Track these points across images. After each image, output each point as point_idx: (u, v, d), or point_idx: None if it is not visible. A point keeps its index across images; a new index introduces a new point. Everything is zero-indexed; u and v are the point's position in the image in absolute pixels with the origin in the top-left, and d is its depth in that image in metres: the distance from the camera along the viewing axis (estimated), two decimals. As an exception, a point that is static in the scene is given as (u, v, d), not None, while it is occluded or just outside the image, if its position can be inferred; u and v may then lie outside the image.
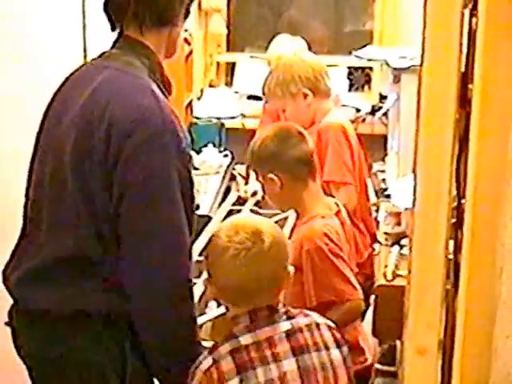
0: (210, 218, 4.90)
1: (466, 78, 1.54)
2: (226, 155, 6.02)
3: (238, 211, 5.04)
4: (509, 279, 1.47)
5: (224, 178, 5.92)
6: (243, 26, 6.46)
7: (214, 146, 6.00)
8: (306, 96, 3.81)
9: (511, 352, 1.47)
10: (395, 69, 5.05)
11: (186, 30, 4.63)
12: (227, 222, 2.64)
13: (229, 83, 7.00)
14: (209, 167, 5.70)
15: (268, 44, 5.38)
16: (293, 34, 5.30)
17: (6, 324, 2.64)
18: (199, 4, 6.31)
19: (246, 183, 5.62)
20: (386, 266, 3.27)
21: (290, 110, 3.91)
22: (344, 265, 2.90)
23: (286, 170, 3.01)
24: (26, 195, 2.69)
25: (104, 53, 2.67)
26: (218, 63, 6.93)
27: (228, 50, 6.63)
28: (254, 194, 4.92)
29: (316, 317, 2.49)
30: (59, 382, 2.61)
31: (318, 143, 3.56)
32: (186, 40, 5.22)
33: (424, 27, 1.54)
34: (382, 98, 5.40)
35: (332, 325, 2.56)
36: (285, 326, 2.41)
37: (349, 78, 5.77)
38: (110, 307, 2.48)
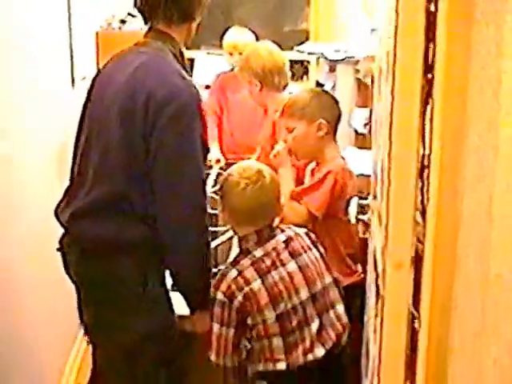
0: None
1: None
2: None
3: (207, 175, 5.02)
4: (468, 205, 1.53)
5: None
6: (198, 28, 6.46)
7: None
8: (256, 85, 4.02)
9: (470, 261, 1.52)
10: (331, 60, 5.23)
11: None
12: (237, 166, 2.88)
13: (189, 75, 6.90)
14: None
15: (220, 42, 5.43)
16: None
17: (58, 250, 2.85)
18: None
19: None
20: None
21: (248, 93, 4.17)
22: None
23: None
24: (74, 153, 2.89)
25: (138, 41, 2.89)
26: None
27: (186, 48, 6.57)
28: (218, 161, 4.91)
29: (295, 228, 2.84)
30: (99, 293, 2.79)
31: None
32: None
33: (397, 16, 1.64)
34: (319, 85, 5.52)
35: (306, 231, 2.90)
36: (282, 237, 2.77)
37: (290, 71, 5.95)
38: (141, 237, 2.69)
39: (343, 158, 3.21)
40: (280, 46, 4.28)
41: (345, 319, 2.78)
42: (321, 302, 2.74)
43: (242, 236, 2.79)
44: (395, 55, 1.61)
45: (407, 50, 1.56)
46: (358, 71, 5.05)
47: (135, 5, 2.91)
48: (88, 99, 2.94)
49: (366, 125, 4.59)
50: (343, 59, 5.16)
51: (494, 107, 1.25)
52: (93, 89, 2.93)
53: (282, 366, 2.63)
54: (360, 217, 2.93)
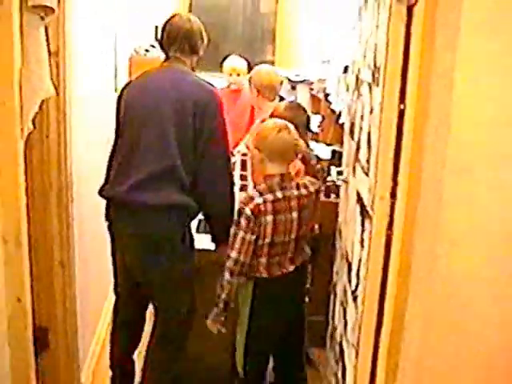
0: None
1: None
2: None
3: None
4: (428, 162, 1.63)
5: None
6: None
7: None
8: (255, 93, 4.17)
9: (429, 193, 1.71)
10: (293, 81, 5.36)
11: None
12: (268, 121, 2.91)
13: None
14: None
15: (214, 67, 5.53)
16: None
17: (106, 219, 2.96)
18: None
19: None
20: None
21: (250, 96, 4.34)
22: None
23: None
24: (116, 144, 2.99)
25: (163, 64, 3.05)
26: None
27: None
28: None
29: (310, 188, 2.80)
30: (146, 249, 2.83)
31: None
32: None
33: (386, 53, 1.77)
34: (282, 99, 5.67)
35: (317, 188, 2.87)
36: (295, 192, 2.74)
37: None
38: (183, 201, 2.79)
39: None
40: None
41: (308, 251, 2.92)
42: (300, 242, 2.82)
43: (269, 175, 2.77)
44: (385, 69, 1.75)
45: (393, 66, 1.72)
46: (312, 89, 5.23)
47: (156, 39, 3.11)
48: (119, 103, 3.03)
49: (318, 126, 4.81)
50: (302, 81, 5.32)
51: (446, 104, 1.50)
52: (122, 95, 3.02)
53: (264, 275, 2.72)
54: (339, 177, 3.05)
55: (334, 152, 3.98)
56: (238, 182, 4.17)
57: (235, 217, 2.72)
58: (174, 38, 3.04)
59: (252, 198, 2.70)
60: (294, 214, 2.72)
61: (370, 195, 1.88)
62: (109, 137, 3.71)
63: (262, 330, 2.78)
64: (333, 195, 3.71)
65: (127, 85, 3.09)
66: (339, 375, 2.26)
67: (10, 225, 1.72)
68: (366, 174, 1.96)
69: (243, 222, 2.67)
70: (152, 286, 2.98)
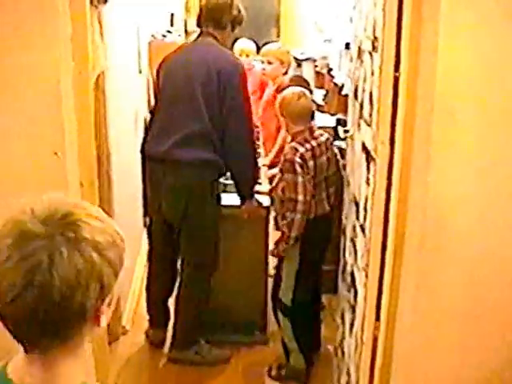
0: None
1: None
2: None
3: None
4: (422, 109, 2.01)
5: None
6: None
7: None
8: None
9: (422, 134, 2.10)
10: (298, 59, 5.70)
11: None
12: (287, 90, 3.28)
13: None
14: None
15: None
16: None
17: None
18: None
19: None
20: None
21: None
22: None
23: None
24: (156, 109, 3.32)
25: (197, 39, 3.34)
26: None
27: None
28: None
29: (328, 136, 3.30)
30: (181, 198, 3.19)
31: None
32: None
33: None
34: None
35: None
36: (323, 139, 3.20)
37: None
38: (213, 158, 3.18)
39: None
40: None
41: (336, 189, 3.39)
42: (328, 182, 3.28)
43: (298, 131, 3.17)
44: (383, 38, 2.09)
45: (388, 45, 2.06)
46: (316, 66, 5.60)
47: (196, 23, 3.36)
48: (158, 74, 3.33)
49: (323, 99, 5.19)
50: (306, 59, 5.67)
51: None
52: (161, 67, 3.31)
53: (311, 215, 3.17)
54: (346, 134, 3.39)
55: (338, 120, 4.36)
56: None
57: (288, 168, 3.08)
58: (203, 13, 3.29)
59: (296, 149, 3.10)
60: (324, 157, 3.16)
61: (373, 142, 2.26)
62: (136, 109, 4.11)
63: (310, 264, 3.23)
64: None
65: (165, 58, 3.37)
66: (351, 300, 2.67)
67: (85, 171, 2.10)
68: (369, 126, 2.34)
69: (298, 168, 3.04)
70: (182, 232, 3.29)
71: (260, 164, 4.21)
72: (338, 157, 3.51)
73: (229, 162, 3.25)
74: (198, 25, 3.36)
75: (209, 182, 3.23)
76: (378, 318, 2.25)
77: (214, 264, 3.42)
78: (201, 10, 3.33)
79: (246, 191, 3.36)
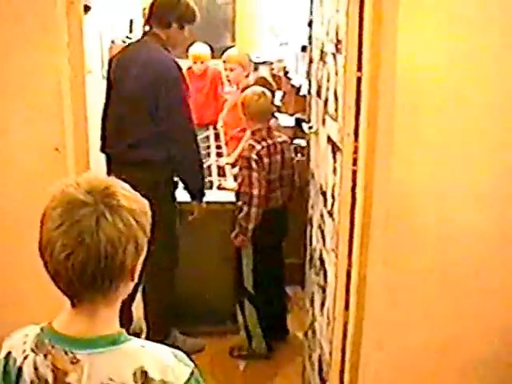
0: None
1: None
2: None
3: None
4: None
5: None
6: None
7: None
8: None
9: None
10: (255, 63, 5.85)
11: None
12: (248, 90, 3.55)
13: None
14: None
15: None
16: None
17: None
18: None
19: None
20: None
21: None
22: None
23: None
24: (104, 113, 3.44)
25: (139, 40, 3.41)
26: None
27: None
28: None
29: (284, 137, 3.57)
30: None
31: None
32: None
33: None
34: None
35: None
36: (279, 139, 3.50)
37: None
38: (164, 159, 3.31)
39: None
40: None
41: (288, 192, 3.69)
42: (283, 181, 3.59)
43: (257, 129, 3.45)
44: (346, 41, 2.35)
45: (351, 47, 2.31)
46: (273, 69, 5.88)
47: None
48: (109, 81, 3.39)
49: (280, 100, 5.45)
50: (263, 62, 5.93)
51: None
52: (111, 74, 3.38)
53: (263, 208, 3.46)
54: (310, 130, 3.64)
55: (297, 120, 4.66)
56: (214, 151, 4.83)
57: (245, 164, 3.33)
58: (149, 11, 3.30)
59: (253, 146, 3.38)
60: (278, 157, 3.44)
61: (339, 134, 2.53)
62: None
63: (265, 252, 3.54)
64: (299, 155, 4.40)
65: (111, 58, 3.52)
66: (321, 281, 2.94)
67: (81, 166, 2.31)
68: (335, 120, 2.61)
69: (254, 164, 3.32)
70: None
71: (223, 162, 4.47)
72: (295, 160, 3.78)
73: (174, 162, 3.34)
74: (146, 24, 3.40)
75: (161, 181, 3.33)
76: (348, 293, 2.52)
77: (174, 261, 3.58)
78: (149, 8, 3.35)
79: (198, 192, 3.50)
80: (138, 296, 3.70)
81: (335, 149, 2.59)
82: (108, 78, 3.44)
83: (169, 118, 3.21)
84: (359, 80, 2.31)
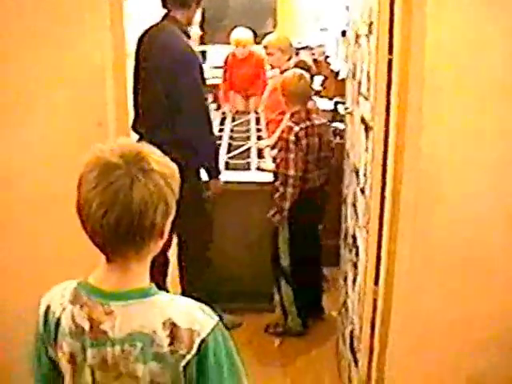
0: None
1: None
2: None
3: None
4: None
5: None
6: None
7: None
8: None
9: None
10: (296, 48, 5.95)
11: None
12: (287, 72, 3.62)
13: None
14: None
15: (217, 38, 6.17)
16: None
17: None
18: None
19: None
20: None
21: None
22: None
23: None
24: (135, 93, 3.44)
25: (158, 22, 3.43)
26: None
27: (201, 43, 6.80)
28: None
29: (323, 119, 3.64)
30: None
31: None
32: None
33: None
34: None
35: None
36: (317, 121, 3.52)
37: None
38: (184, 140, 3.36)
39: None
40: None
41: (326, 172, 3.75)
42: (320, 163, 3.66)
43: (296, 111, 3.52)
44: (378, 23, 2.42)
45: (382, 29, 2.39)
46: (313, 54, 5.96)
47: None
48: (137, 61, 3.43)
49: (321, 85, 5.54)
50: (304, 47, 6.00)
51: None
52: (138, 55, 3.41)
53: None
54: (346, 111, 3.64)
55: (336, 103, 4.73)
56: (254, 134, 4.93)
57: (283, 145, 3.41)
58: None
59: (291, 128, 3.45)
60: (316, 139, 3.51)
61: (371, 113, 2.61)
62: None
63: (301, 231, 3.64)
64: (337, 138, 4.47)
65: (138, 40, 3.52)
66: (353, 258, 3.03)
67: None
68: (367, 99, 2.69)
69: (291, 146, 3.40)
70: None
71: (262, 145, 4.58)
72: (333, 143, 3.85)
73: (189, 141, 3.39)
74: (163, 7, 3.46)
75: (183, 160, 3.40)
76: (378, 268, 2.60)
77: (207, 236, 3.68)
78: None
79: (213, 170, 3.57)
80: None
81: (367, 128, 2.67)
82: (136, 59, 3.51)
83: (182, 102, 3.30)
84: (390, 62, 2.38)
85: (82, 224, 1.38)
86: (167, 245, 3.71)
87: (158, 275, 3.60)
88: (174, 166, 1.45)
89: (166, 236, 1.45)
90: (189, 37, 3.46)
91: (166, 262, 3.79)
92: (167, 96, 3.30)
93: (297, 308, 3.89)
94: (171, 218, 1.44)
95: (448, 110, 2.29)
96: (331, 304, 4.18)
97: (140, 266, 1.44)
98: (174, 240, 3.75)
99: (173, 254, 3.84)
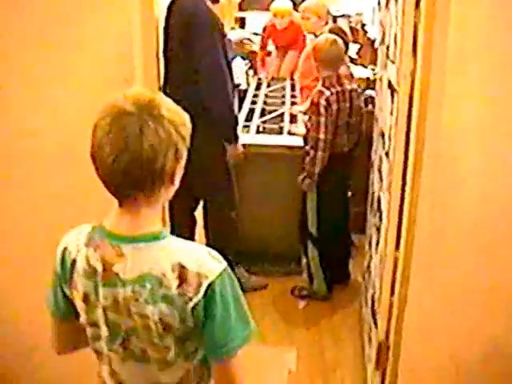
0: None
1: None
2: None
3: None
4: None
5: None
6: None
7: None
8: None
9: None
10: (334, 16, 5.93)
11: None
12: (320, 37, 3.58)
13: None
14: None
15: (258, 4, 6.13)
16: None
17: None
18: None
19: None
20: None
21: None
22: None
23: None
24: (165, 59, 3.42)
25: None
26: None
27: (240, 9, 7.02)
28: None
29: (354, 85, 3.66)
30: None
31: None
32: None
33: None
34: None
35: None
36: (348, 87, 3.52)
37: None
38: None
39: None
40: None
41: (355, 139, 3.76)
42: (349, 128, 3.67)
43: (327, 76, 3.52)
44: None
45: None
46: (350, 22, 5.93)
47: None
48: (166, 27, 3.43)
49: (357, 53, 5.51)
50: (342, 15, 6.01)
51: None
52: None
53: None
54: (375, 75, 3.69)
55: (372, 70, 4.70)
56: (288, 100, 4.95)
57: (313, 109, 3.41)
58: None
59: (322, 92, 3.46)
60: (347, 104, 3.51)
61: (396, 77, 2.61)
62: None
63: (329, 196, 3.65)
64: (370, 105, 4.45)
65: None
66: (377, 222, 3.05)
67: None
68: (394, 63, 2.69)
69: (322, 110, 3.41)
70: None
71: (296, 111, 4.59)
72: (364, 110, 3.84)
73: (207, 106, 3.38)
74: None
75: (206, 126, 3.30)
76: (399, 231, 2.62)
77: (232, 196, 3.69)
78: None
79: (228, 134, 3.56)
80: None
81: (393, 92, 2.67)
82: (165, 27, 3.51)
83: (199, 64, 3.31)
84: (416, 25, 2.37)
85: (96, 170, 1.41)
86: (194, 205, 3.77)
87: (186, 235, 3.61)
88: (185, 115, 1.48)
89: (177, 183, 1.50)
90: (216, 1, 3.47)
91: (194, 223, 3.84)
92: (187, 60, 3.33)
93: (323, 272, 3.92)
94: (182, 164, 1.48)
95: (471, 73, 2.27)
96: (357, 270, 4.22)
97: (151, 210, 1.49)
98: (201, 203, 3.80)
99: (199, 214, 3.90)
